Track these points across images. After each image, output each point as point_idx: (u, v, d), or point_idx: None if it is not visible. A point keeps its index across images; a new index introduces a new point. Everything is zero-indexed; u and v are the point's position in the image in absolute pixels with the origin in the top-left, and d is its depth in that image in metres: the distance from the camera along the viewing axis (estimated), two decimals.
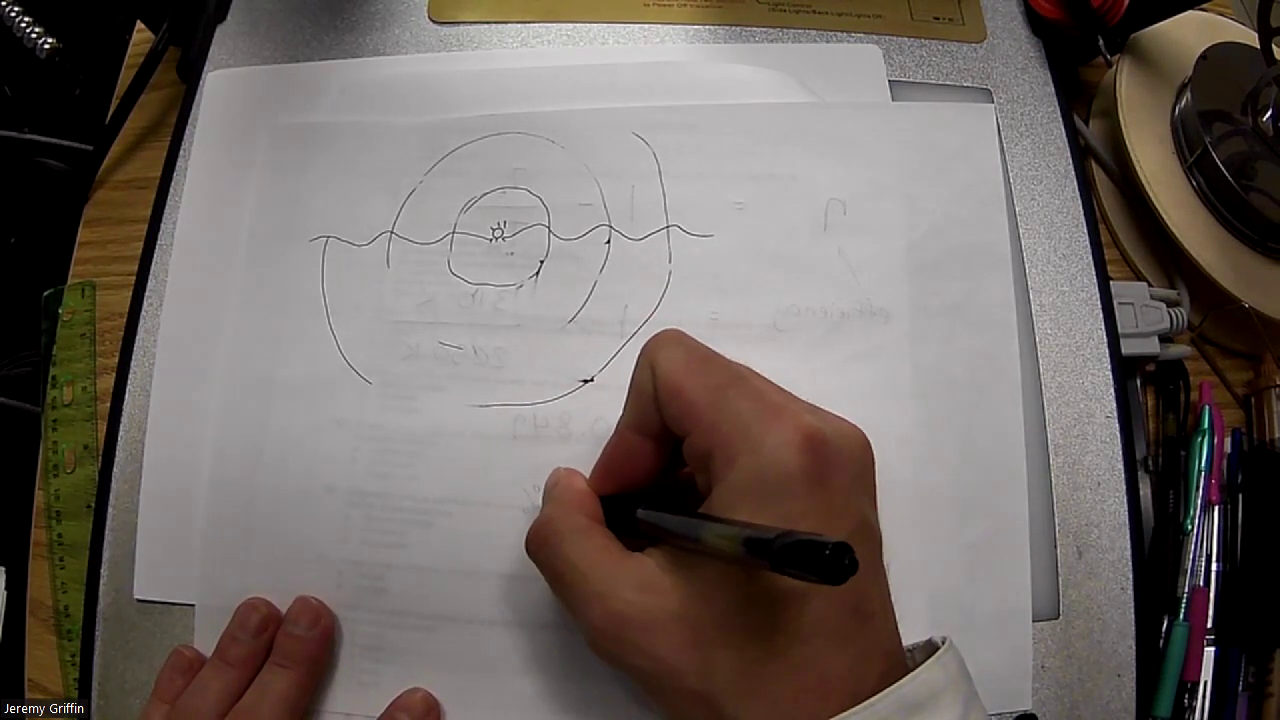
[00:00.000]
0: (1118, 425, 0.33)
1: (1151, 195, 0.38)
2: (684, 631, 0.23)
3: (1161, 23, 0.40)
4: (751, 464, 0.23)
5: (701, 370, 0.25)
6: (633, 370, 0.27)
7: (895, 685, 0.21)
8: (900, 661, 0.23)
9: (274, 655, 0.30)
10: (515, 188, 0.35)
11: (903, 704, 0.21)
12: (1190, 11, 0.39)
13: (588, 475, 0.28)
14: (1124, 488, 0.33)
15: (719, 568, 0.23)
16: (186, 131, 0.38)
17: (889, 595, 0.24)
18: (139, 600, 0.33)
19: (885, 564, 0.25)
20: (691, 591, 0.23)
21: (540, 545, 0.26)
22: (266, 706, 0.28)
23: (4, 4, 0.45)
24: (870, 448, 0.26)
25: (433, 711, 0.30)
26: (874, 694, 0.21)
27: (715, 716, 0.22)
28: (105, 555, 0.33)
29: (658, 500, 0.26)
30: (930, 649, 0.24)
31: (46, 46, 0.45)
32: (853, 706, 0.21)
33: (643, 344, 0.27)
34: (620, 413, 0.27)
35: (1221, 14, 0.44)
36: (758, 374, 0.26)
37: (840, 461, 0.24)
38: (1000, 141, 0.36)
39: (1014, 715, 0.30)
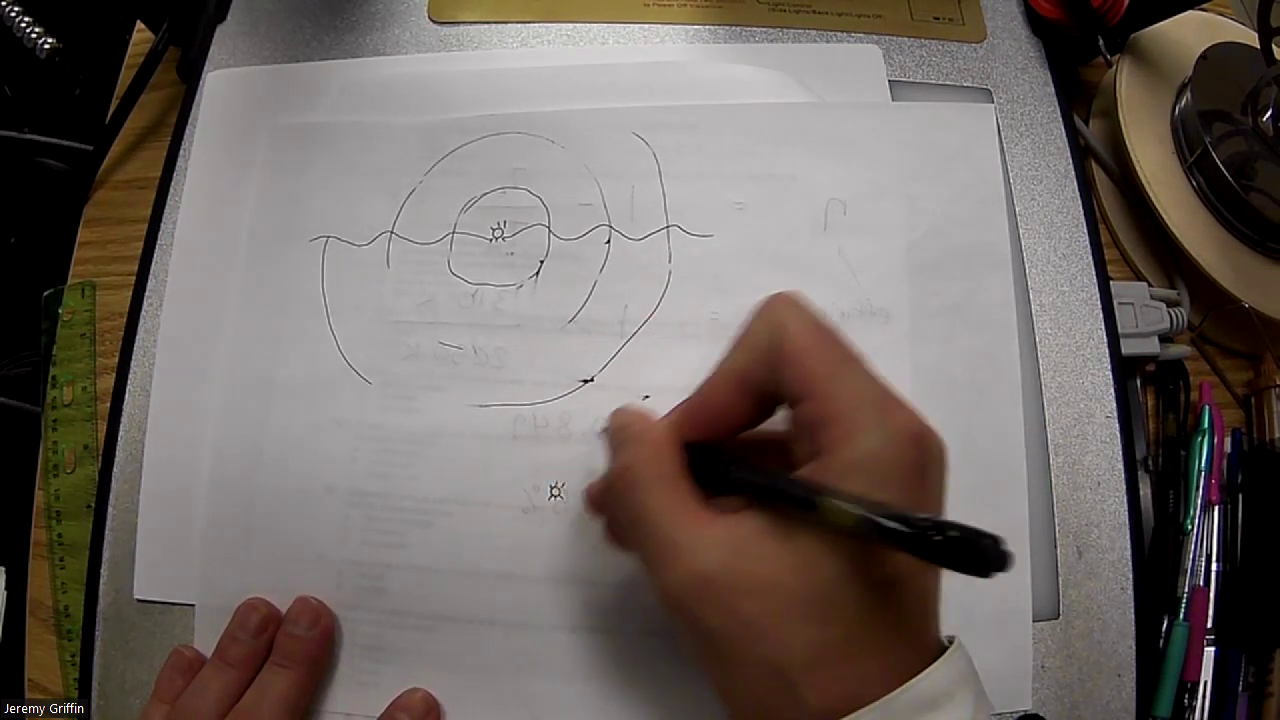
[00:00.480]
0: (1118, 425, 0.33)
1: (1151, 195, 0.38)
2: (773, 600, 0.22)
3: (1161, 23, 0.40)
4: (870, 443, 0.23)
5: (829, 339, 0.25)
6: (746, 324, 0.26)
7: (910, 683, 0.21)
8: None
9: (274, 655, 0.30)
10: (515, 188, 0.35)
11: (917, 701, 0.21)
12: (1190, 11, 0.39)
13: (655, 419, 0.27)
14: (1124, 488, 0.33)
15: (823, 541, 0.22)
16: (186, 131, 0.38)
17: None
18: (139, 600, 0.33)
19: None
20: (788, 561, 0.23)
21: (622, 491, 0.25)
22: (266, 706, 0.28)
23: (4, 4, 0.45)
24: (946, 453, 0.25)
25: (433, 711, 0.30)
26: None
27: (781, 688, 0.22)
28: (105, 555, 0.33)
29: (748, 457, 0.25)
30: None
31: (46, 46, 0.45)
32: (884, 695, 0.21)
33: (765, 316, 0.25)
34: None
35: (1221, 14, 0.44)
36: (868, 362, 0.25)
37: (937, 462, 0.24)
38: (1000, 141, 0.36)
39: (1017, 715, 0.30)
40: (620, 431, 0.27)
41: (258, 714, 0.28)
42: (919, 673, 0.22)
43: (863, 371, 0.24)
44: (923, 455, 0.23)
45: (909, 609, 0.23)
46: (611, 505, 0.26)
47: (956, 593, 0.30)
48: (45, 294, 0.39)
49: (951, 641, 0.24)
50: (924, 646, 0.23)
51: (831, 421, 0.23)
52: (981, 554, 0.19)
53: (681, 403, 0.26)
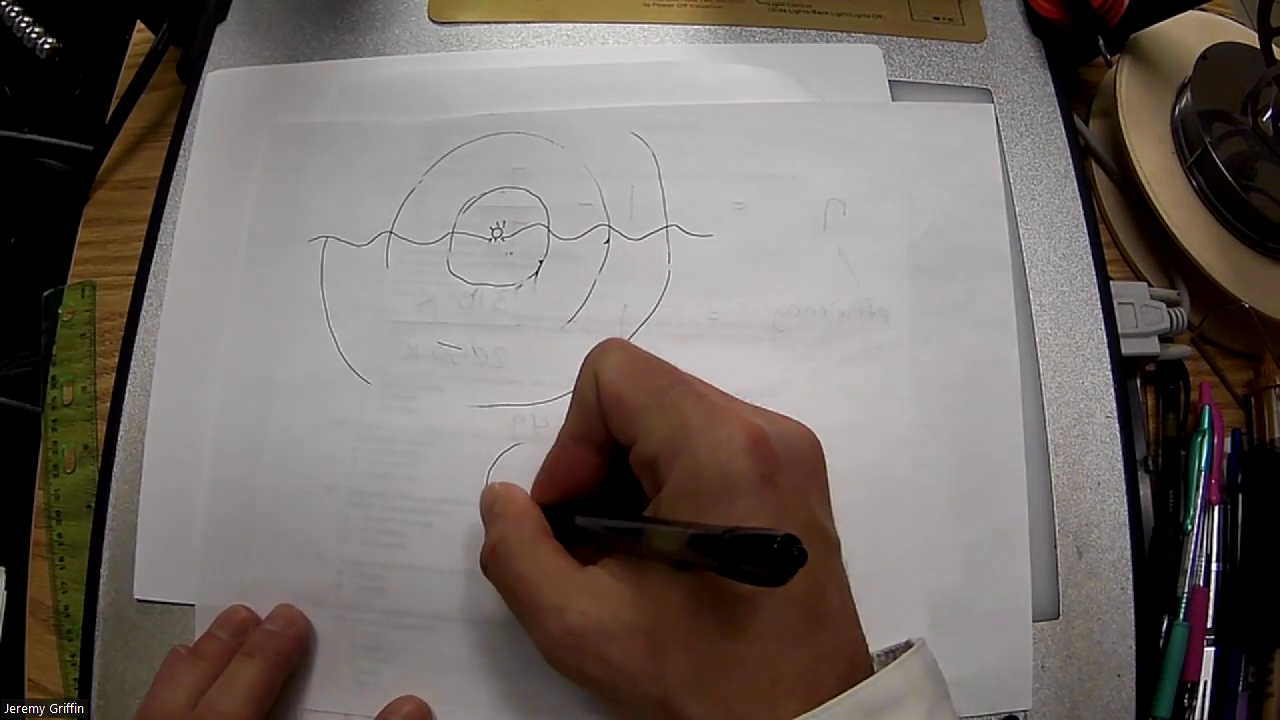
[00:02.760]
0: (1118, 425, 0.33)
1: (1151, 195, 0.38)
2: (637, 638, 0.23)
3: (1161, 23, 0.40)
4: (694, 464, 0.23)
5: (643, 375, 0.25)
6: (576, 381, 0.27)
7: (853, 690, 0.21)
8: (864, 664, 0.23)
9: (243, 648, 0.30)
10: (514, 187, 0.35)
11: (860, 708, 0.21)
12: (1190, 11, 0.39)
13: (527, 488, 0.28)
14: (1124, 488, 0.33)
15: (667, 572, 0.23)
16: (186, 131, 0.38)
17: (850, 598, 0.24)
18: (139, 600, 0.33)
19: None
20: (642, 598, 0.23)
21: (494, 564, 0.26)
22: (230, 695, 0.28)
23: (4, 4, 0.45)
24: (819, 448, 0.25)
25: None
26: (831, 697, 0.21)
27: (668, 716, 0.22)
28: (105, 555, 0.33)
29: (601, 509, 0.26)
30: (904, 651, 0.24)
31: (46, 46, 0.45)
32: (808, 710, 0.21)
33: (588, 369, 0.26)
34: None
35: (1221, 14, 0.44)
36: (699, 379, 0.26)
37: (788, 460, 0.24)
38: (1000, 141, 0.36)
39: (1000, 716, 0.30)
40: (488, 510, 0.28)
41: (222, 701, 0.28)
42: (841, 677, 0.22)
43: (687, 392, 0.24)
44: (761, 458, 0.23)
45: (778, 618, 0.22)
46: (490, 576, 0.27)
47: (957, 593, 0.31)
48: (45, 294, 0.39)
49: (909, 646, 0.24)
50: (828, 646, 0.23)
51: (658, 456, 0.24)
52: (768, 553, 0.18)
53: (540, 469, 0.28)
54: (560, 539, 0.26)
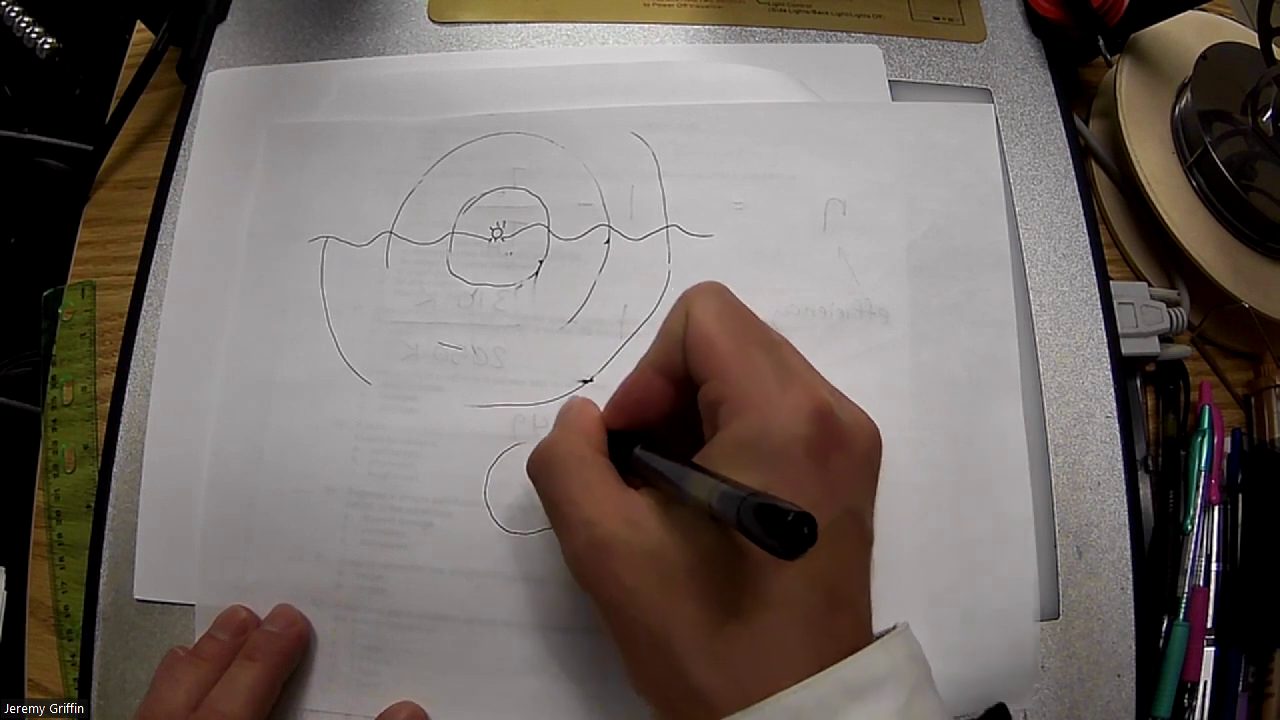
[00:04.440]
0: (1118, 425, 0.33)
1: (1151, 195, 0.38)
2: (657, 570, 0.23)
3: (1161, 23, 0.40)
4: (757, 420, 0.23)
5: (734, 323, 0.25)
6: (668, 314, 0.27)
7: (835, 667, 0.21)
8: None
9: (244, 650, 0.30)
10: (514, 188, 0.35)
11: (842, 686, 0.21)
12: (1190, 11, 0.39)
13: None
14: (1124, 488, 0.33)
15: (699, 517, 0.23)
16: (186, 131, 0.38)
17: (869, 596, 0.24)
18: (139, 600, 0.33)
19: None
20: (671, 534, 0.23)
21: (541, 466, 0.26)
22: (231, 697, 0.28)
23: (4, 4, 0.45)
24: (880, 443, 0.26)
25: None
26: None
27: (667, 664, 0.22)
28: (105, 555, 0.33)
29: (661, 445, 0.26)
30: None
31: (46, 46, 0.45)
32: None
33: (681, 305, 0.26)
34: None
35: (1221, 14, 0.44)
36: (792, 346, 0.26)
37: (846, 445, 0.24)
38: (1000, 141, 0.36)
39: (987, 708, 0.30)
40: (560, 417, 0.28)
41: (224, 705, 0.28)
42: (834, 663, 0.22)
43: (772, 353, 0.25)
44: (822, 433, 0.23)
45: (796, 592, 0.22)
46: (534, 477, 0.27)
47: (957, 593, 0.31)
48: (45, 294, 0.39)
49: (895, 629, 0.24)
50: (842, 636, 0.23)
51: (725, 400, 0.24)
52: (779, 524, 0.18)
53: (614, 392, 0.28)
54: (618, 465, 0.26)
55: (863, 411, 0.26)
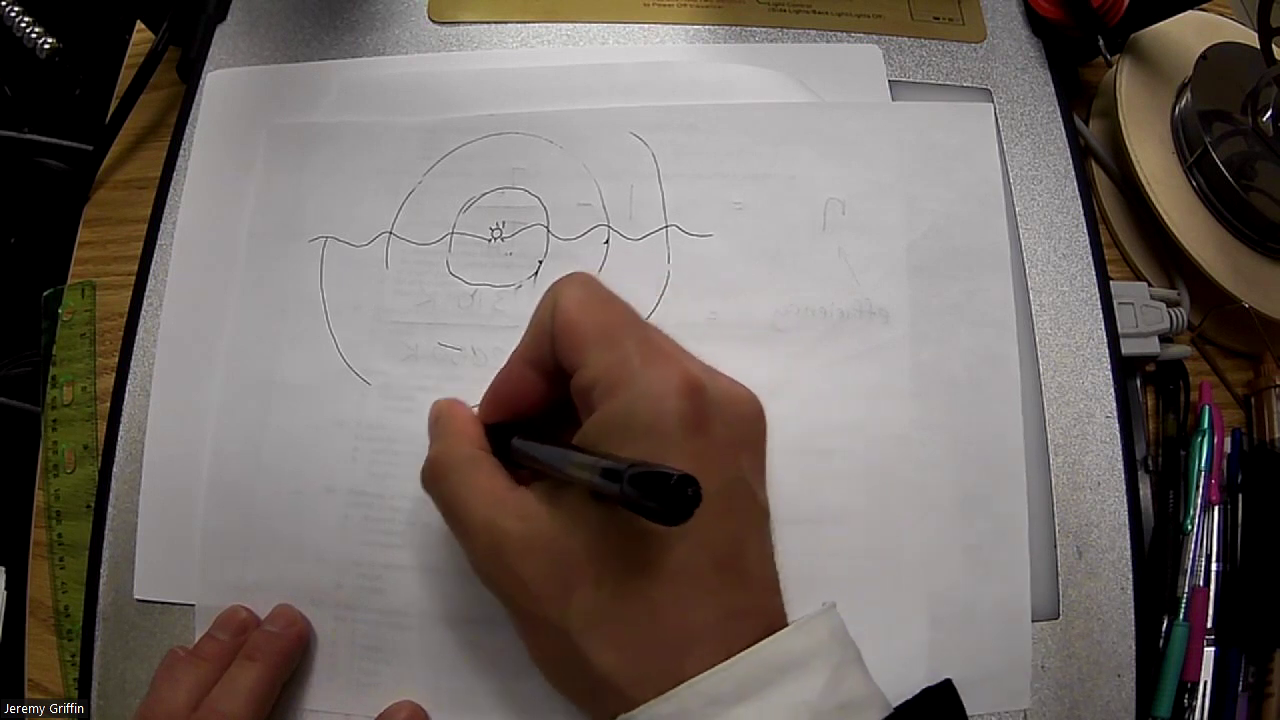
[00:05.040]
0: (1118, 425, 0.33)
1: (1151, 195, 0.38)
2: (549, 559, 0.23)
3: (1161, 23, 0.40)
4: (628, 399, 0.23)
5: (599, 308, 0.26)
6: (536, 306, 0.27)
7: (756, 646, 0.21)
8: (781, 628, 0.23)
9: (244, 650, 0.30)
10: (514, 188, 0.35)
11: (757, 667, 0.21)
12: (1190, 11, 0.39)
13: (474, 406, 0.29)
14: (1124, 488, 0.33)
15: (585, 500, 0.23)
16: (186, 131, 0.38)
17: (772, 566, 0.24)
18: (139, 600, 0.33)
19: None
20: (559, 521, 0.23)
21: (433, 479, 0.27)
22: (231, 698, 0.28)
23: (4, 4, 0.45)
24: (761, 414, 0.26)
25: None
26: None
27: (569, 651, 0.23)
28: (105, 555, 0.33)
29: (538, 433, 0.26)
30: None
31: (46, 46, 0.45)
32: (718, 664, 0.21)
33: (548, 295, 0.27)
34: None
35: (1221, 14, 0.44)
36: (656, 327, 0.26)
37: (721, 416, 0.24)
38: (1000, 141, 0.36)
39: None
40: (432, 425, 0.29)
41: (224, 705, 0.28)
42: (758, 638, 0.22)
43: (637, 333, 0.25)
44: (693, 406, 0.23)
45: (691, 564, 0.22)
46: (428, 490, 0.27)
47: (957, 593, 0.31)
48: (45, 294, 0.39)
49: (822, 608, 0.23)
50: (742, 605, 0.23)
51: (596, 383, 0.24)
52: (663, 489, 0.18)
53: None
54: (500, 459, 0.27)
55: (740, 385, 0.26)
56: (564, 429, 0.27)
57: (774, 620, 0.23)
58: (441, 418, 0.28)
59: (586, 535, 0.23)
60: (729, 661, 0.21)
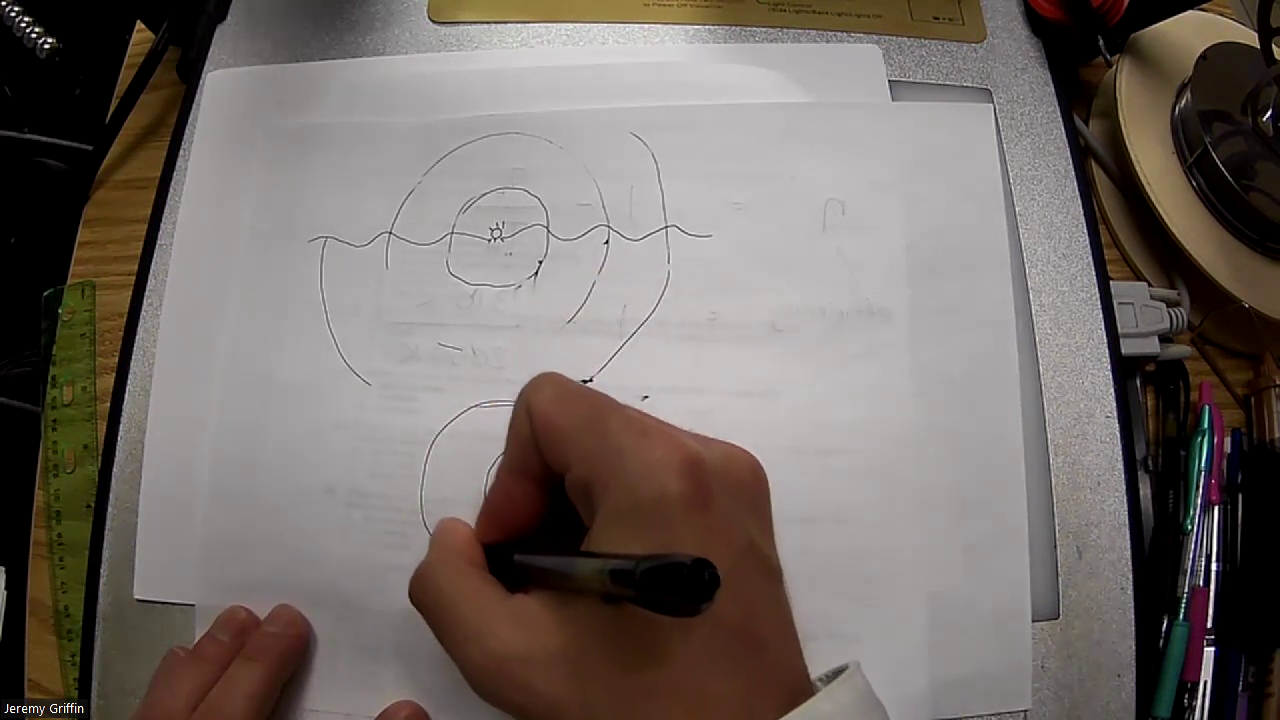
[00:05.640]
0: (1118, 425, 0.33)
1: (1151, 195, 0.38)
2: (562, 667, 0.22)
3: (1161, 23, 0.40)
4: (627, 487, 0.22)
5: (574, 402, 0.25)
6: (510, 417, 0.26)
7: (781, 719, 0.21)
8: (804, 693, 0.23)
9: (244, 651, 0.30)
10: (514, 188, 0.35)
11: None
12: (1190, 11, 0.39)
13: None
14: (1124, 488, 0.33)
15: (595, 601, 0.22)
16: (186, 131, 0.38)
17: (791, 626, 0.24)
18: (139, 600, 0.33)
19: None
20: (568, 627, 0.23)
21: (419, 590, 0.26)
22: (231, 699, 0.28)
23: (4, 4, 0.45)
24: (761, 473, 0.25)
25: None
26: None
27: None
28: (105, 555, 0.33)
29: (542, 547, 0.26)
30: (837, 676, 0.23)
31: (46, 46, 0.45)
32: None
33: (520, 403, 0.26)
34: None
35: (1221, 14, 0.44)
36: (635, 408, 0.25)
37: (723, 484, 0.23)
38: (1000, 141, 0.36)
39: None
40: (431, 541, 0.28)
41: (224, 705, 0.28)
42: (780, 706, 0.21)
43: (619, 417, 0.24)
44: (694, 481, 0.22)
45: (711, 646, 0.22)
46: (415, 603, 0.26)
47: (957, 593, 0.31)
48: (45, 294, 0.39)
49: (845, 670, 0.23)
50: (766, 675, 0.22)
51: (592, 480, 0.23)
52: (680, 579, 0.17)
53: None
54: (503, 580, 0.26)
55: (733, 445, 0.25)
56: (564, 540, 0.26)
57: (797, 686, 0.23)
58: (437, 534, 0.28)
59: (599, 633, 0.22)
60: None
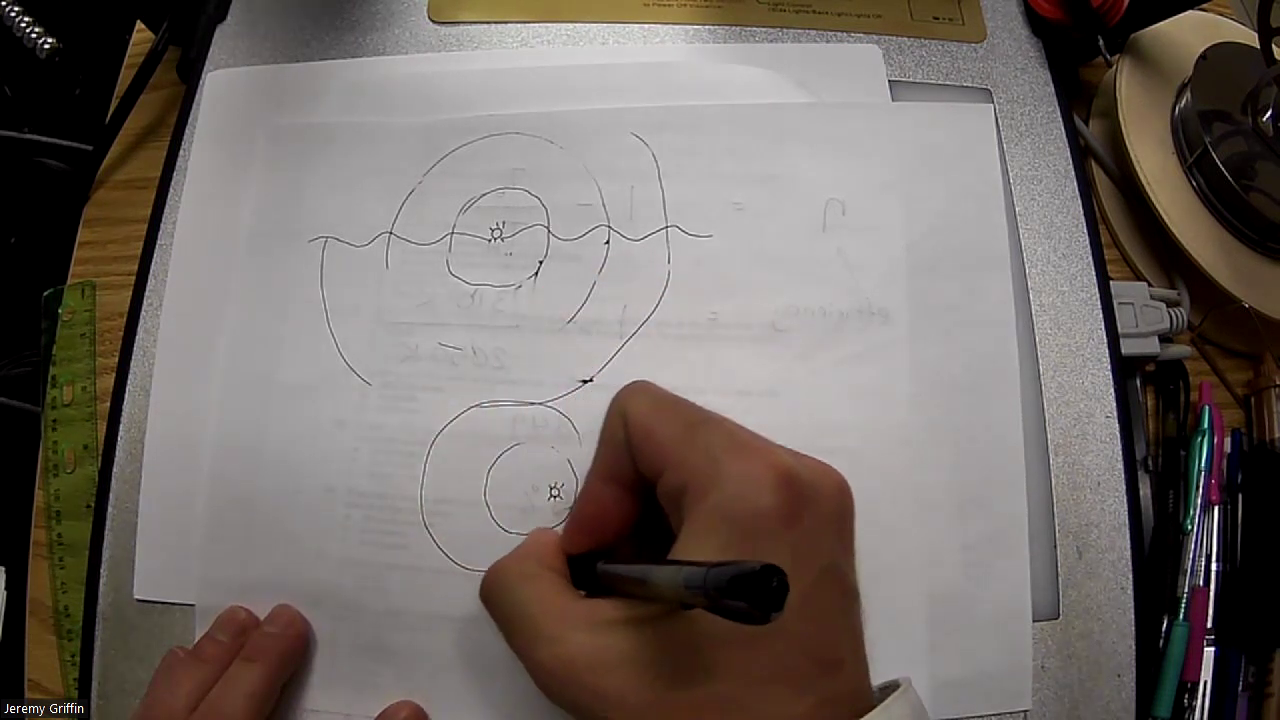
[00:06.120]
0: (1118, 425, 0.33)
1: (1151, 195, 0.38)
2: (636, 673, 0.22)
3: (1161, 23, 0.40)
4: (721, 499, 0.22)
5: (672, 411, 0.25)
6: (603, 424, 0.27)
7: None
8: (867, 711, 0.23)
9: (244, 651, 0.30)
10: (514, 188, 0.35)
11: None
12: (1190, 11, 0.39)
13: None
14: (1124, 488, 0.33)
15: (673, 610, 0.22)
16: (186, 131, 0.38)
17: (862, 647, 0.24)
18: (139, 600, 0.33)
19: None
20: (643, 634, 0.23)
21: (491, 590, 0.26)
22: (231, 699, 0.28)
23: (4, 4, 0.45)
24: (849, 494, 0.25)
25: None
26: None
27: None
28: (105, 555, 0.33)
29: (625, 557, 0.26)
30: (892, 691, 0.23)
31: (46, 46, 0.45)
32: None
33: (614, 409, 0.26)
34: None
35: (1221, 14, 0.44)
36: (733, 421, 0.25)
37: (815, 502, 0.23)
38: (1000, 141, 0.36)
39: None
40: (520, 544, 0.28)
41: (224, 705, 0.28)
42: None
43: (717, 428, 0.24)
44: (788, 496, 0.22)
45: (784, 662, 0.22)
46: (485, 600, 0.27)
47: (957, 593, 0.31)
48: (45, 294, 0.39)
49: (899, 687, 0.23)
50: (837, 694, 0.22)
51: (686, 487, 0.23)
52: (751, 584, 0.17)
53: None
54: (587, 591, 0.26)
55: (825, 465, 0.25)
56: (649, 551, 0.26)
57: (862, 704, 0.23)
58: (525, 540, 0.28)
59: (678, 645, 0.22)
60: None
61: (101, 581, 0.33)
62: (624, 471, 0.26)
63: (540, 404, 0.32)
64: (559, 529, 0.29)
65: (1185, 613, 0.34)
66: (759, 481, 0.22)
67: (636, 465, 0.25)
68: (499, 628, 0.26)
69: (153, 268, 0.36)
